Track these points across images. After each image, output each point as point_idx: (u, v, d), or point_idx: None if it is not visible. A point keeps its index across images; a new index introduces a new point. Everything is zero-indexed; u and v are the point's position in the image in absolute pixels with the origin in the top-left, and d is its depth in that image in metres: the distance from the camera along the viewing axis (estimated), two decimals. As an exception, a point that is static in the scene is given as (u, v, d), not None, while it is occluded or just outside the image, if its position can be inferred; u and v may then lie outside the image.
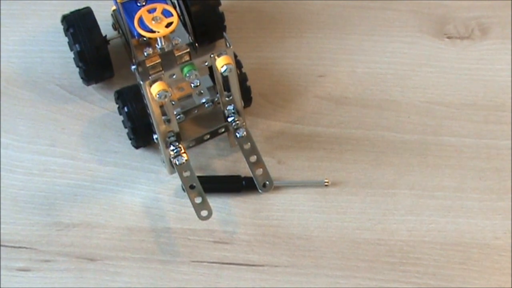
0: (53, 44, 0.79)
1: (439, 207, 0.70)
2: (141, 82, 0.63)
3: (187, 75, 0.65)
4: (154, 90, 0.63)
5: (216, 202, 0.70)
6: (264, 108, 0.75)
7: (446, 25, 0.79)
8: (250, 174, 0.69)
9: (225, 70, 0.64)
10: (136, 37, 0.69)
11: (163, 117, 0.66)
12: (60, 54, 0.78)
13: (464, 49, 0.78)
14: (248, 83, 0.72)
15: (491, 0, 0.80)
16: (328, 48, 0.78)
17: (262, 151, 0.71)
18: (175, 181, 0.71)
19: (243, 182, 0.71)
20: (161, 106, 0.66)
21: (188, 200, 0.67)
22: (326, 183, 0.71)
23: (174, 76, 0.65)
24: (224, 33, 0.66)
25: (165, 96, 0.63)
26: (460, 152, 0.73)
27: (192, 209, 0.67)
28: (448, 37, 0.79)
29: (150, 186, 0.71)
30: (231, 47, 0.65)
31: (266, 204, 0.70)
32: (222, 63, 0.64)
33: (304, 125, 0.74)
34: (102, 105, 0.75)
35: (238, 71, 0.70)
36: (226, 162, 0.73)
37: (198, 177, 0.68)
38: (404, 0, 0.81)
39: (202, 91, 0.72)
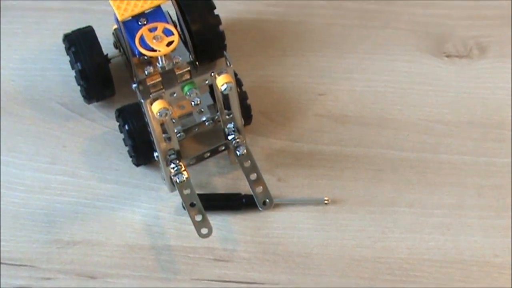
0: (54, 63, 0.79)
1: (438, 224, 0.70)
2: (142, 101, 0.63)
3: (188, 93, 0.65)
4: (155, 108, 0.63)
5: (216, 219, 0.70)
6: (265, 126, 0.75)
7: (445, 43, 0.80)
8: (250, 191, 0.70)
9: (225, 89, 0.64)
10: (137, 56, 0.69)
11: (163, 135, 0.67)
12: (61, 72, 0.78)
13: (462, 67, 0.78)
14: (248, 101, 0.72)
15: (489, 20, 0.81)
16: (328, 67, 0.79)
17: (262, 168, 0.71)
18: (176, 198, 0.71)
19: (244, 200, 0.71)
20: (162, 124, 0.66)
21: (189, 218, 0.67)
22: (326, 201, 0.71)
23: (175, 95, 0.65)
24: (225, 52, 0.67)
25: (166, 114, 0.63)
26: (459, 169, 0.73)
27: (193, 226, 0.67)
28: (447, 56, 0.79)
29: (150, 204, 0.71)
30: (231, 65, 0.65)
31: (266, 222, 0.70)
32: (222, 82, 0.64)
33: (304, 143, 0.74)
34: (103, 123, 0.76)
35: (238, 90, 0.71)
36: (226, 179, 0.73)
37: (199, 195, 0.68)
38: (403, 20, 0.81)
39: (202, 109, 0.72)
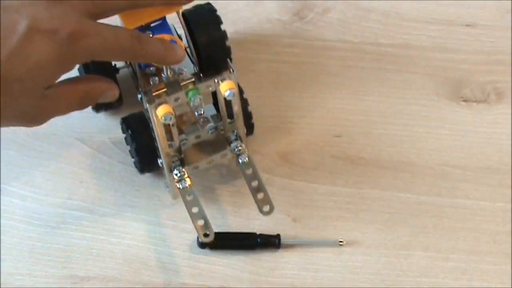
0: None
1: (453, 269, 0.70)
2: (147, 106, 0.65)
3: (192, 99, 0.67)
4: (160, 113, 0.64)
5: (230, 259, 0.70)
6: (281, 166, 0.75)
7: (462, 88, 0.80)
8: (264, 231, 0.70)
9: (228, 95, 0.66)
10: (143, 68, 0.71)
11: (168, 142, 0.68)
12: (80, 108, 0.79)
13: (480, 112, 0.78)
14: (249, 108, 0.74)
15: (507, 65, 0.81)
16: (345, 109, 0.79)
17: (277, 208, 0.71)
18: (190, 236, 0.71)
19: (258, 240, 0.71)
20: (166, 132, 0.67)
21: (203, 257, 0.68)
22: (340, 243, 0.71)
23: (179, 100, 0.67)
24: (228, 60, 0.68)
25: (170, 119, 0.64)
26: (475, 215, 0.73)
27: (207, 265, 0.67)
28: (464, 101, 0.79)
29: (165, 242, 0.72)
30: (235, 72, 0.66)
31: (281, 262, 0.70)
32: (225, 88, 0.66)
33: (319, 184, 0.75)
34: (120, 159, 0.76)
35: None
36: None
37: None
38: (421, 64, 0.82)
39: (206, 119, 0.73)
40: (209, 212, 0.69)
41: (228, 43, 0.75)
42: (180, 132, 0.71)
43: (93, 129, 0.78)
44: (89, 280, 0.70)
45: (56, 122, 0.78)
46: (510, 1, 0.85)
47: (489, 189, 0.74)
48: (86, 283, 0.70)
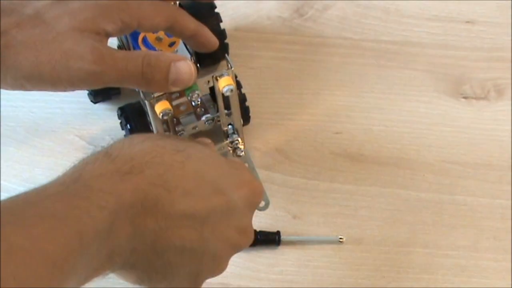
0: (73, 95, 0.79)
1: (453, 266, 0.70)
2: (145, 101, 0.65)
3: (189, 94, 0.67)
4: (158, 109, 0.65)
5: (230, 255, 0.70)
6: (281, 163, 0.75)
7: (462, 85, 0.80)
8: (264, 227, 0.70)
9: (226, 91, 0.66)
10: None
11: (165, 134, 0.69)
12: (80, 105, 0.79)
13: (480, 109, 0.79)
14: (247, 103, 0.74)
15: (507, 62, 0.81)
16: (345, 106, 0.79)
17: (277, 205, 0.71)
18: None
19: (258, 237, 0.71)
20: (163, 123, 0.68)
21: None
22: (340, 240, 0.71)
23: (178, 95, 0.67)
24: (226, 55, 0.68)
25: (168, 114, 0.65)
26: (475, 211, 0.73)
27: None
28: (464, 97, 0.79)
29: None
30: (233, 68, 0.67)
31: (281, 259, 0.70)
32: (224, 84, 0.66)
33: (319, 181, 0.75)
34: (120, 156, 0.76)
35: (238, 92, 0.72)
36: None
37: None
38: (421, 61, 0.82)
39: (202, 109, 0.73)
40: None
41: (226, 40, 0.75)
42: (177, 121, 0.71)
43: (92, 126, 0.78)
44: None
45: (56, 119, 0.78)
46: (510, -2, 0.85)
47: (489, 186, 0.74)
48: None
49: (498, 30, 0.83)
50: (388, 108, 0.79)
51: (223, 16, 0.73)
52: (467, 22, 0.84)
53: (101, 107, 0.78)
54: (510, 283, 0.69)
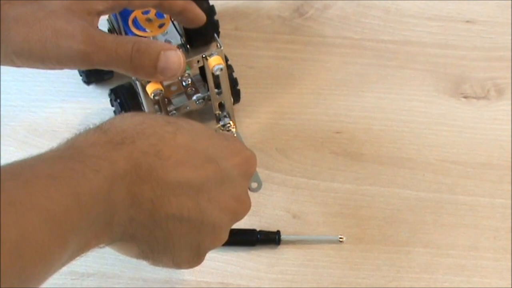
0: (73, 95, 0.80)
1: (453, 266, 0.70)
2: (136, 82, 0.66)
3: None
4: (149, 89, 0.66)
5: (230, 255, 0.70)
6: (281, 162, 0.75)
7: (462, 85, 0.80)
8: (264, 227, 0.70)
9: (216, 70, 0.67)
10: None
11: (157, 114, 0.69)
12: (80, 105, 0.79)
13: (480, 108, 0.79)
14: (238, 87, 0.75)
15: (507, 62, 0.81)
16: (345, 105, 0.79)
17: (277, 204, 0.71)
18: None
19: (258, 236, 0.71)
20: (155, 104, 0.68)
21: (203, 253, 0.67)
22: (340, 239, 0.71)
23: None
24: (215, 35, 0.68)
25: (160, 94, 0.66)
26: (474, 211, 0.73)
27: (207, 262, 0.66)
28: (464, 97, 0.79)
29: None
30: (222, 48, 0.67)
31: (281, 259, 0.70)
32: (213, 63, 0.67)
33: (319, 181, 0.75)
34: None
35: (229, 75, 0.73)
36: None
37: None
38: (421, 60, 0.82)
39: (193, 89, 0.74)
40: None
41: (216, 17, 0.75)
42: (168, 101, 0.72)
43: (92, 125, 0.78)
44: (89, 276, 0.70)
45: (56, 118, 0.78)
46: (510, -2, 0.85)
47: (489, 185, 0.74)
48: (86, 279, 0.70)
49: (498, 30, 0.83)
50: (388, 108, 0.79)
51: (223, 16, 0.73)
52: (467, 21, 0.84)
53: (101, 107, 0.78)
54: (510, 282, 0.69)
